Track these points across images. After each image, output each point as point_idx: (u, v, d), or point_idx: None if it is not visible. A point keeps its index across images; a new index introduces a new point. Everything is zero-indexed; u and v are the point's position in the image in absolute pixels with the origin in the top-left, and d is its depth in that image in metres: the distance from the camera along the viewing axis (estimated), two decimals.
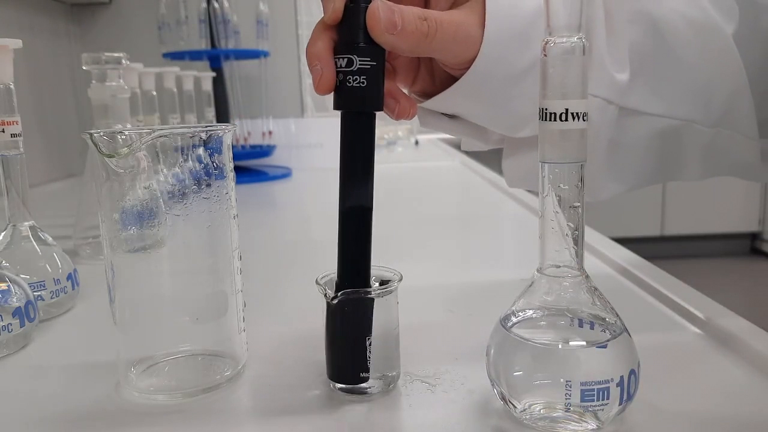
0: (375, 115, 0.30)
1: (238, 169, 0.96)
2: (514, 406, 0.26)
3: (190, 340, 0.33)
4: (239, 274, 0.33)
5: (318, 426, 0.28)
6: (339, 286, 0.30)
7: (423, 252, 0.60)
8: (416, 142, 1.74)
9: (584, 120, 0.25)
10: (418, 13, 0.30)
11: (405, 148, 1.64)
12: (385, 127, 1.66)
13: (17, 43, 0.41)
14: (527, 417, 0.26)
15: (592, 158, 0.34)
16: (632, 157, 0.37)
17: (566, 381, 0.25)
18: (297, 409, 0.29)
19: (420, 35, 0.30)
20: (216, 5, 1.12)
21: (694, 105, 0.36)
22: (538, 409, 0.26)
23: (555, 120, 0.25)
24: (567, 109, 0.25)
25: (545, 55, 0.25)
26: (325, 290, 0.30)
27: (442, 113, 0.38)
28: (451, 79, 0.34)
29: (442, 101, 0.35)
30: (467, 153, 0.38)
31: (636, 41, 0.35)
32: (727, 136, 0.37)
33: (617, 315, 0.27)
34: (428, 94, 0.36)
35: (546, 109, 0.25)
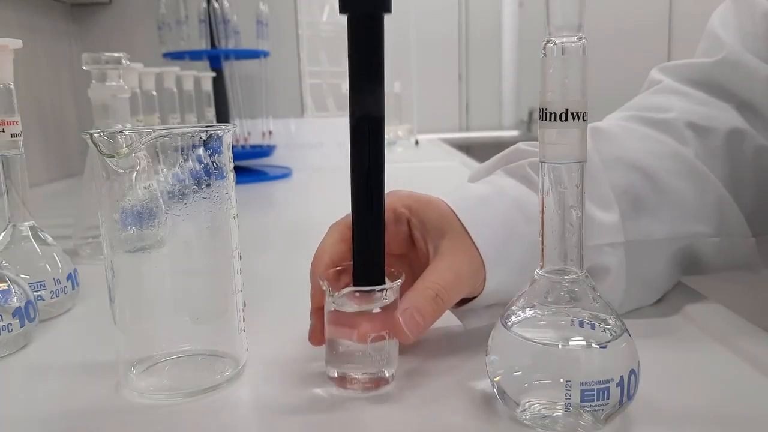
0: (383, 17, 0.28)
1: (238, 169, 0.96)
2: (515, 406, 0.26)
3: (190, 340, 0.33)
4: (239, 274, 0.33)
5: (318, 425, 0.28)
6: (354, 208, 0.30)
7: None
8: (416, 142, 1.74)
9: (584, 120, 0.25)
10: (431, 295, 0.31)
11: (405, 148, 1.64)
12: (385, 127, 1.66)
13: (17, 43, 0.41)
14: (527, 417, 0.26)
15: (609, 298, 0.35)
16: (649, 281, 0.39)
17: (566, 381, 0.25)
18: (297, 408, 0.29)
19: (438, 314, 0.31)
20: (216, 5, 1.12)
21: (693, 222, 0.39)
22: (538, 408, 0.26)
23: (555, 120, 0.25)
24: (567, 109, 0.25)
25: (545, 55, 0.25)
26: (328, 287, 0.30)
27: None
28: None
29: (485, 298, 0.35)
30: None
31: (619, 183, 0.37)
32: (729, 242, 0.40)
33: (617, 315, 0.27)
34: None
35: (546, 109, 0.25)
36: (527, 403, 0.26)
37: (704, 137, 0.41)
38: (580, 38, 0.25)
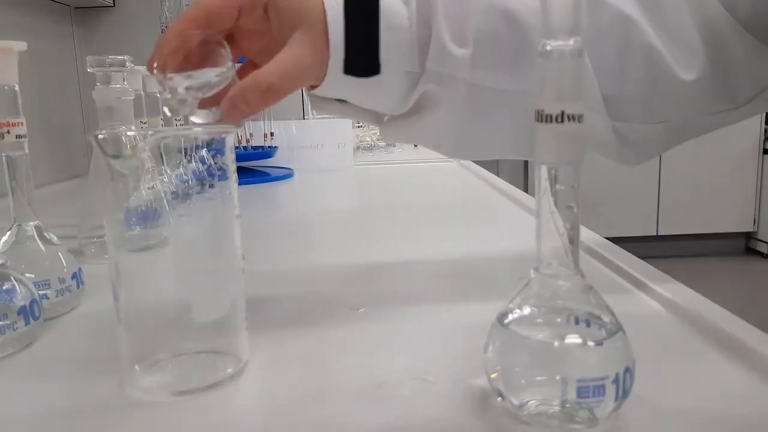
0: None
1: (240, 170, 0.96)
2: (511, 403, 0.27)
3: (193, 338, 0.33)
4: (242, 273, 0.33)
5: (319, 423, 0.28)
6: None
7: (421, 251, 0.61)
8: (415, 144, 1.74)
9: (580, 122, 0.26)
10: (263, 88, 0.33)
11: (404, 150, 1.64)
12: None
13: (22, 45, 0.41)
14: (524, 413, 0.27)
15: (443, 125, 0.38)
16: (490, 130, 0.39)
17: (562, 378, 0.25)
18: (299, 406, 0.30)
19: (267, 103, 0.34)
20: None
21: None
22: (534, 405, 0.27)
23: (551, 122, 0.26)
24: (563, 111, 0.25)
25: (541, 58, 0.26)
26: None
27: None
28: None
29: (325, 90, 0.37)
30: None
31: (482, 27, 0.37)
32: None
33: (612, 313, 0.27)
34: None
35: (542, 111, 0.26)
36: (524, 400, 0.27)
37: (594, 13, 0.39)
38: (576, 41, 0.25)
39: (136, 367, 0.32)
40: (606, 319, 0.27)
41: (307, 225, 0.80)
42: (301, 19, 0.34)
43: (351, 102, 0.40)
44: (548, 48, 0.25)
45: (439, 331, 0.38)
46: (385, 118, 0.42)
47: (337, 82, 0.36)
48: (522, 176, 3.04)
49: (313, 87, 0.38)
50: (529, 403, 0.27)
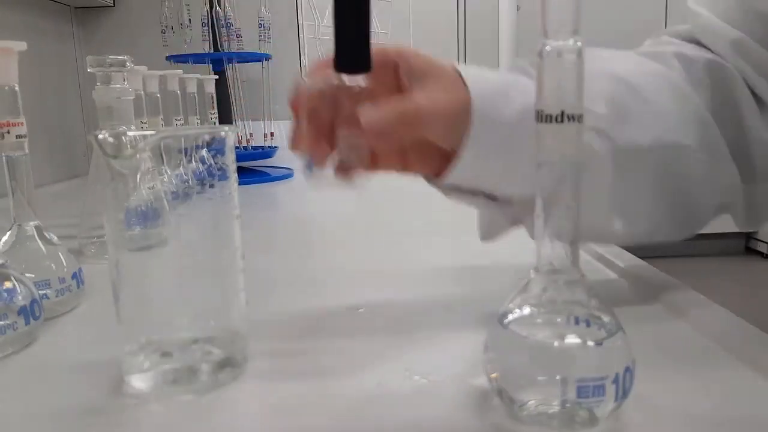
0: None
1: (240, 170, 0.96)
2: (511, 403, 0.27)
3: (193, 338, 0.33)
4: (242, 273, 0.33)
5: (318, 423, 0.28)
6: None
7: (421, 251, 0.61)
8: None
9: (580, 122, 0.26)
10: (400, 109, 0.32)
11: None
12: None
13: (22, 45, 0.41)
14: (524, 413, 0.27)
15: (595, 197, 0.36)
16: (638, 198, 0.38)
17: (562, 378, 0.25)
18: (298, 407, 0.30)
19: (399, 122, 0.32)
20: (218, 9, 1.13)
21: (676, 132, 0.38)
22: (534, 405, 0.27)
23: (551, 122, 0.26)
24: (563, 111, 0.25)
25: (541, 58, 0.26)
26: None
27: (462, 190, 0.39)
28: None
29: (454, 175, 0.36)
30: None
31: (605, 90, 0.37)
32: (715, 165, 0.40)
33: (612, 313, 0.27)
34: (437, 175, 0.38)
35: (542, 111, 0.26)
36: (524, 400, 0.27)
37: (689, 65, 0.41)
38: (576, 41, 0.25)
39: (136, 367, 0.32)
40: (606, 318, 0.27)
41: (307, 225, 0.80)
42: (433, 71, 0.34)
43: (479, 182, 0.38)
44: (548, 48, 0.25)
45: (439, 331, 0.38)
46: (515, 208, 0.40)
47: (476, 144, 0.34)
48: None
49: (435, 176, 0.37)
50: (529, 403, 0.27)
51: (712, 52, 0.43)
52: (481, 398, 0.29)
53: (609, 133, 0.36)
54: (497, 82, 0.36)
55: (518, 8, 2.47)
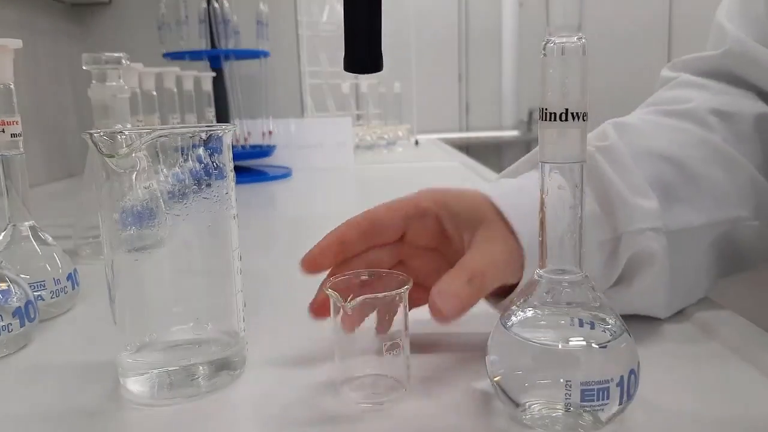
0: None
1: (238, 169, 0.96)
2: (514, 406, 0.26)
3: (190, 339, 0.32)
4: (239, 274, 0.33)
5: (318, 425, 0.28)
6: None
7: None
8: (416, 142, 1.74)
9: (584, 120, 0.25)
10: (464, 279, 0.31)
11: (405, 148, 1.64)
12: (385, 127, 1.67)
13: (17, 43, 0.41)
14: (527, 417, 0.26)
15: (651, 292, 0.35)
16: (693, 274, 0.38)
17: (566, 381, 0.25)
18: (297, 409, 0.29)
19: (474, 298, 0.31)
20: (216, 5, 1.12)
21: (729, 206, 0.37)
22: (538, 408, 0.26)
23: (555, 120, 0.25)
24: (567, 110, 0.25)
25: (545, 55, 0.25)
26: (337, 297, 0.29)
27: None
28: None
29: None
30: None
31: (650, 174, 0.36)
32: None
33: (617, 315, 0.27)
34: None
35: (546, 110, 0.25)
36: (527, 403, 0.26)
37: (730, 122, 0.40)
38: (579, 38, 0.25)
39: (132, 370, 0.31)
40: (610, 321, 0.26)
41: (305, 225, 0.80)
42: (480, 218, 0.33)
43: None
44: (551, 44, 0.25)
45: (440, 333, 0.38)
46: None
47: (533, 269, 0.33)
48: None
49: (497, 295, 0.35)
50: (533, 406, 0.26)
51: (743, 80, 0.41)
52: (484, 401, 0.29)
53: (663, 227, 0.35)
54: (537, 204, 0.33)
55: (520, 4, 2.48)
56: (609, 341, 0.26)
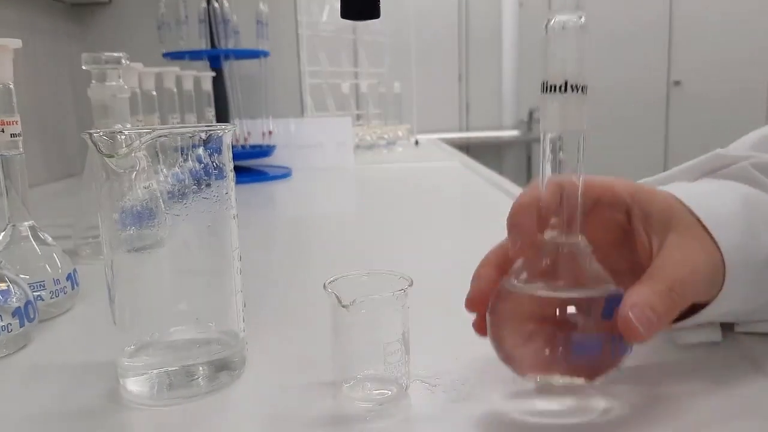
0: None
1: (237, 169, 0.96)
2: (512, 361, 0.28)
3: (189, 340, 0.32)
4: (239, 274, 0.33)
5: (318, 426, 0.28)
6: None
7: (422, 252, 0.60)
8: (416, 142, 1.74)
9: (583, 92, 0.27)
10: (663, 290, 0.27)
11: (405, 148, 1.64)
12: (385, 126, 1.67)
13: (17, 42, 0.41)
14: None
15: None
16: None
17: (560, 335, 0.27)
18: (297, 409, 0.29)
19: (673, 311, 0.27)
20: (216, 5, 1.12)
21: None
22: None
23: (555, 92, 0.26)
24: (566, 81, 0.26)
25: (546, 32, 0.27)
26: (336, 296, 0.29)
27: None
28: None
29: (725, 299, 0.31)
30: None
31: None
32: None
33: (611, 280, 0.28)
34: None
35: (546, 82, 0.27)
36: (521, 356, 0.28)
37: None
38: (579, 17, 0.26)
39: (132, 370, 0.31)
40: (605, 281, 0.28)
41: (305, 225, 0.80)
42: (672, 224, 0.30)
43: (734, 319, 0.34)
44: (552, 22, 0.26)
45: (441, 334, 0.38)
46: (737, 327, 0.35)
47: (734, 293, 0.30)
48: (525, 175, 3.05)
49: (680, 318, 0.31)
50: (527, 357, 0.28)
51: None
52: (485, 402, 0.29)
53: None
54: (743, 223, 0.31)
55: (521, 5, 2.48)
56: (603, 297, 0.27)
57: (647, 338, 0.26)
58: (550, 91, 0.26)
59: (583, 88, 0.26)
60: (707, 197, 0.32)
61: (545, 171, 0.27)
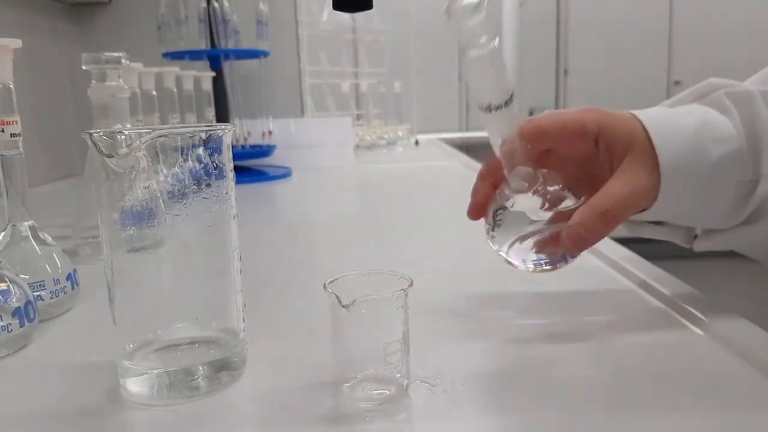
0: None
1: (237, 169, 0.96)
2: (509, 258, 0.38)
3: (190, 340, 0.32)
4: (239, 274, 0.33)
5: (318, 426, 0.28)
6: None
7: (422, 252, 0.60)
8: (416, 142, 1.74)
9: (507, 106, 0.36)
10: (600, 211, 0.34)
11: (405, 148, 1.64)
12: (385, 126, 1.67)
13: (17, 42, 0.41)
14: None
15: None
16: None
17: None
18: (297, 409, 0.29)
19: (607, 229, 0.34)
20: (216, 5, 1.12)
21: None
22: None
23: (488, 111, 0.36)
24: (490, 104, 0.36)
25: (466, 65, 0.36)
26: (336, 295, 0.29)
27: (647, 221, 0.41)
28: None
29: (655, 212, 0.37)
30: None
31: None
32: None
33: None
34: None
35: (481, 104, 0.36)
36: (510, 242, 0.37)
37: None
38: (493, 42, 0.33)
39: (132, 370, 0.31)
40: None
41: (305, 225, 0.80)
42: (630, 146, 0.36)
43: (674, 221, 0.40)
44: (471, 57, 0.34)
45: (442, 334, 0.38)
46: (697, 231, 0.41)
47: (668, 203, 0.36)
48: None
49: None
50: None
51: None
52: (484, 402, 0.29)
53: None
54: (691, 139, 0.36)
55: (521, 5, 2.47)
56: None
57: (576, 252, 0.35)
58: (486, 110, 0.35)
59: (507, 102, 0.33)
60: (667, 118, 0.37)
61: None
